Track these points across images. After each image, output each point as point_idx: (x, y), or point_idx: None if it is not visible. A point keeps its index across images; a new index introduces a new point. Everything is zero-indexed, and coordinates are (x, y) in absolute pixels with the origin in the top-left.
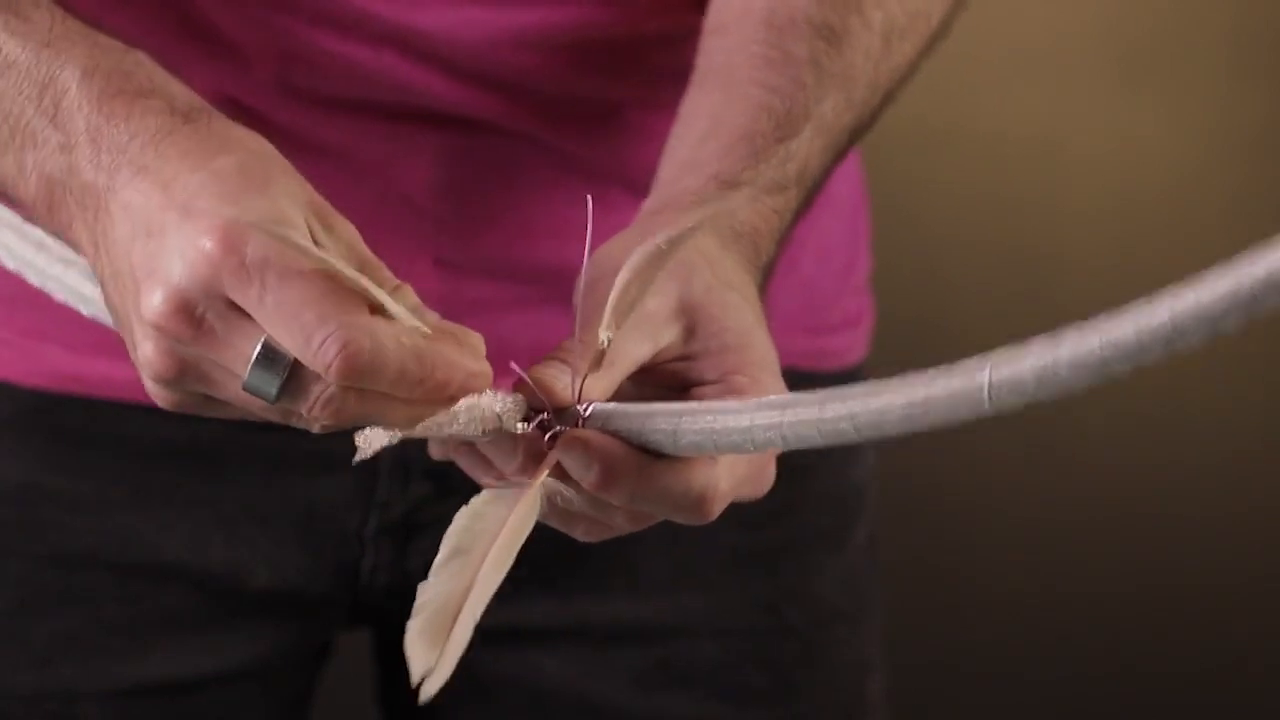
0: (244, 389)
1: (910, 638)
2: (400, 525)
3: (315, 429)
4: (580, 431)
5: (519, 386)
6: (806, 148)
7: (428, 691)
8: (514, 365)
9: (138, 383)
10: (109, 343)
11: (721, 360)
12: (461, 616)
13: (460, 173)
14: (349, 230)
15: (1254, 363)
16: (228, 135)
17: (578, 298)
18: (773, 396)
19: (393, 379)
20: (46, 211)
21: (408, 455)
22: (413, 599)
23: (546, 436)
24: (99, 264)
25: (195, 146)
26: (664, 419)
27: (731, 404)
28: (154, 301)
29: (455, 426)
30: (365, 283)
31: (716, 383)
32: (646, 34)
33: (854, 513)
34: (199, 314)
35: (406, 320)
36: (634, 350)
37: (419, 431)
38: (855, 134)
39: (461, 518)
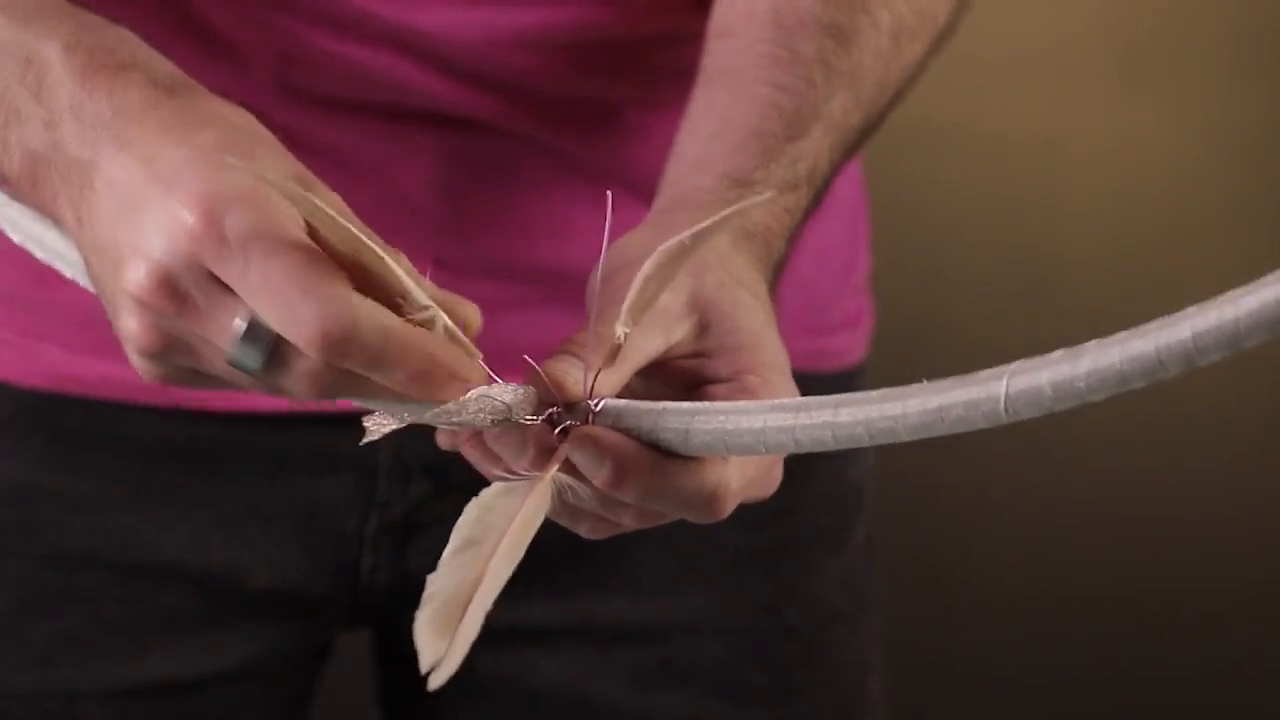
0: (227, 363)
1: (909, 638)
2: (400, 525)
3: (303, 400)
4: (591, 428)
5: (531, 379)
6: (816, 147)
7: (436, 681)
8: (527, 358)
9: (137, 383)
10: (108, 343)
11: (735, 359)
12: (471, 608)
13: (460, 173)
14: (336, 202)
15: (1253, 365)
16: (211, 110)
17: (591, 293)
18: (786, 399)
19: (368, 360)
20: (30, 187)
21: (408, 454)
22: (413, 598)
23: (556, 431)
24: (83, 239)
25: (178, 121)
26: (676, 418)
27: (744, 405)
28: (136, 275)
29: (465, 415)
30: (365, 239)
31: (728, 381)
32: (646, 34)
33: (853, 513)
34: (181, 288)
35: (407, 284)
36: (645, 345)
37: (428, 419)
38: (864, 133)
39: (472, 509)
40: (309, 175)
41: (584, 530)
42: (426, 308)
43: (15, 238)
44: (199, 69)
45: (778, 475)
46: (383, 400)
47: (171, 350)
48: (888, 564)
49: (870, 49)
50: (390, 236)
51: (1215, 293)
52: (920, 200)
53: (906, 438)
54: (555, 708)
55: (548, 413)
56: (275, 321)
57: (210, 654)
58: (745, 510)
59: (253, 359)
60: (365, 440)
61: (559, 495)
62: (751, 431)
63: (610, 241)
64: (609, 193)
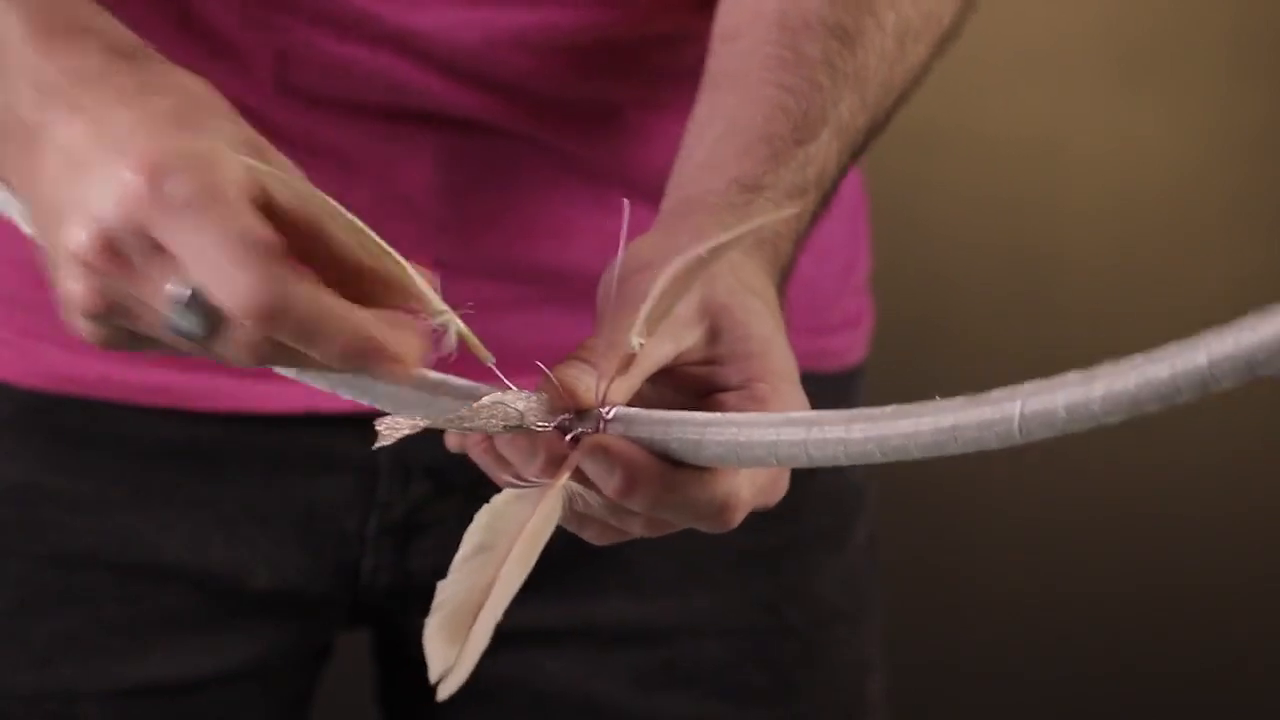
0: (167, 328)
1: (910, 638)
2: (401, 525)
3: (243, 365)
4: (602, 437)
5: (543, 385)
6: (824, 150)
7: (445, 691)
8: (539, 364)
9: (138, 383)
10: None
11: (745, 366)
12: (482, 615)
13: (460, 173)
14: (290, 170)
15: None
16: (166, 77)
17: (602, 299)
18: (799, 413)
19: (299, 333)
20: None
21: (408, 455)
22: (414, 599)
23: (568, 438)
24: (32, 200)
25: (132, 87)
26: (688, 428)
27: (757, 417)
28: (78, 236)
29: (478, 421)
30: (316, 198)
31: (738, 389)
32: (646, 35)
33: (853, 512)
34: (123, 250)
35: (355, 234)
36: (656, 351)
37: (441, 423)
38: (870, 135)
39: (484, 515)
40: (262, 143)
41: (590, 536)
42: (441, 312)
43: None
44: (199, 69)
45: (785, 483)
46: (318, 371)
47: (113, 312)
48: (890, 562)
49: (875, 51)
50: (390, 237)
51: (1215, 292)
52: (920, 200)
53: (919, 455)
54: (557, 709)
55: (559, 419)
56: (211, 289)
57: (210, 654)
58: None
59: (192, 324)
60: (378, 445)
61: (569, 503)
62: (764, 444)
63: (618, 246)
64: (625, 201)
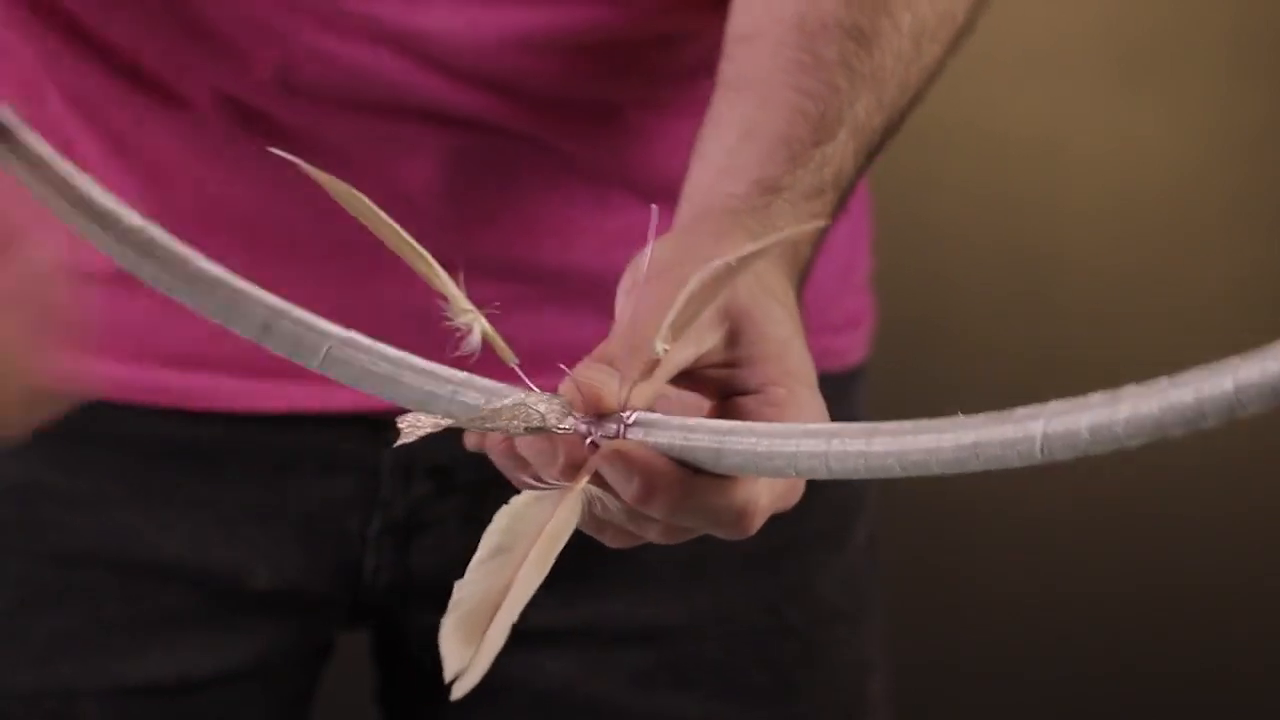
0: None
1: (910, 638)
2: (402, 524)
3: None
4: (622, 443)
5: (565, 388)
6: (842, 151)
7: (460, 691)
8: (563, 366)
9: (138, 383)
10: (108, 343)
11: (763, 370)
12: (498, 616)
13: (461, 173)
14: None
15: None
16: None
17: (621, 301)
18: (818, 424)
19: None
20: None
21: (410, 454)
22: (414, 598)
23: (588, 442)
24: None
25: None
26: (708, 436)
27: (778, 427)
28: None
29: (500, 421)
30: (354, 196)
31: (756, 393)
32: (648, 35)
33: (853, 513)
34: None
35: (386, 231)
36: (677, 354)
37: (463, 422)
38: (886, 135)
39: (503, 517)
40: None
41: (608, 540)
42: (467, 311)
43: None
44: (200, 69)
45: (800, 489)
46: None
47: None
48: (890, 562)
49: (892, 51)
50: None
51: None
52: (920, 200)
53: (939, 472)
54: (558, 709)
55: (581, 423)
56: None
57: (210, 653)
58: None
59: None
60: (400, 442)
61: (588, 507)
62: (784, 455)
63: (625, 249)
64: (654, 208)
